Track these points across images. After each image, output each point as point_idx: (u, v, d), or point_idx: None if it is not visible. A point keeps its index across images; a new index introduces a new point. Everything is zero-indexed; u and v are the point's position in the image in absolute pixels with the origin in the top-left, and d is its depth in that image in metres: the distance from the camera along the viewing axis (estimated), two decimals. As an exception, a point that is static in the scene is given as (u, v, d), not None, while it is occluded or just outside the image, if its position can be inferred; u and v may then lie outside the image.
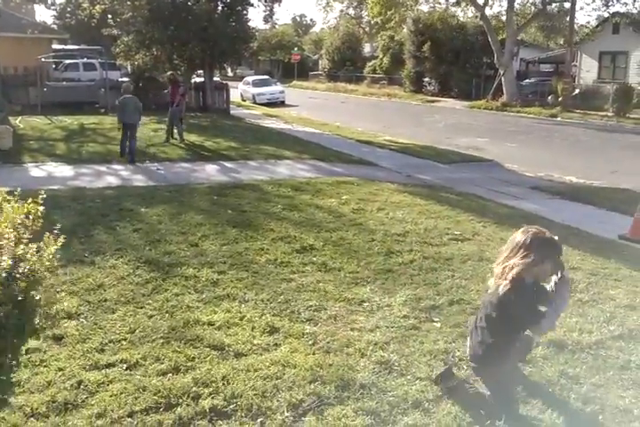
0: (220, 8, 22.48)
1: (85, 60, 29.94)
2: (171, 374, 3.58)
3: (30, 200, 3.11)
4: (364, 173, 11.31)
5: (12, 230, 2.87)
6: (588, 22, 32.70)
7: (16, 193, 3.12)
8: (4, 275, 2.75)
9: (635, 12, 26.86)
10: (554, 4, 30.42)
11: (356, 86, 43.22)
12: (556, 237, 3.05)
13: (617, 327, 4.42)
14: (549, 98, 27.99)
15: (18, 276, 2.80)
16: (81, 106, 20.66)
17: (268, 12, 24.22)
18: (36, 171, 10.57)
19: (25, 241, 2.93)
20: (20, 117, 17.95)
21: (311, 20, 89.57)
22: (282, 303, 4.72)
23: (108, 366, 3.67)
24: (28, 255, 2.86)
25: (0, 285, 2.70)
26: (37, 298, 2.85)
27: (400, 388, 3.49)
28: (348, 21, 60.37)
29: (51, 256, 3.03)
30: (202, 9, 21.33)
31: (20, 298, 2.78)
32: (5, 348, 2.76)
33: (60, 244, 3.00)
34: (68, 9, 49.93)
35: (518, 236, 3.05)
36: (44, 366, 3.64)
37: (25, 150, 12.49)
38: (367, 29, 57.96)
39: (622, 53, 29.20)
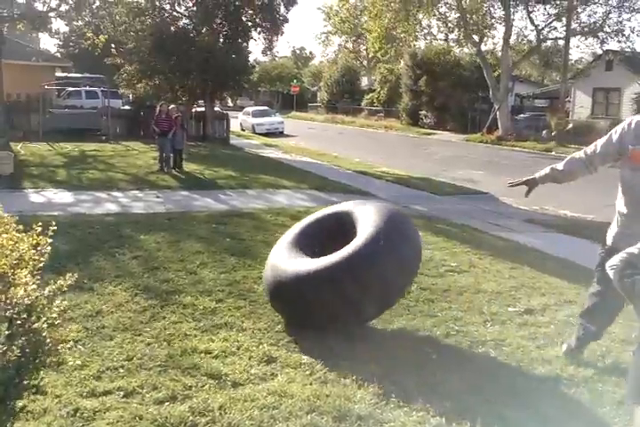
0: (221, 40, 22.94)
1: (88, 87, 30.33)
2: (167, 403, 3.57)
3: (39, 230, 3.14)
4: (361, 203, 11.39)
5: (28, 274, 2.90)
6: (582, 58, 33.43)
7: (34, 225, 3.15)
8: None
9: (628, 49, 27.49)
10: (548, 42, 31.17)
11: (354, 118, 43.78)
12: None
13: (613, 362, 4.44)
14: (544, 133, 28.40)
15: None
16: (82, 133, 20.89)
17: (267, 45, 24.69)
18: (36, 197, 10.64)
19: (37, 282, 2.95)
20: (21, 143, 18.11)
21: (310, 52, 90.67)
22: (279, 333, 4.72)
23: (105, 393, 3.66)
24: (40, 306, 2.89)
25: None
26: (44, 335, 2.87)
27: (397, 419, 3.49)
28: (347, 55, 61.41)
29: (62, 308, 3.06)
30: (204, 41, 21.79)
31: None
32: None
33: (68, 282, 3.04)
34: (72, 38, 50.74)
35: None
36: (41, 394, 3.63)
37: (26, 176, 12.58)
38: (365, 63, 58.96)
39: (615, 90, 29.74)
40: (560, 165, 4.21)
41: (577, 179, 4.29)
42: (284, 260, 4.81)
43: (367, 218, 4.75)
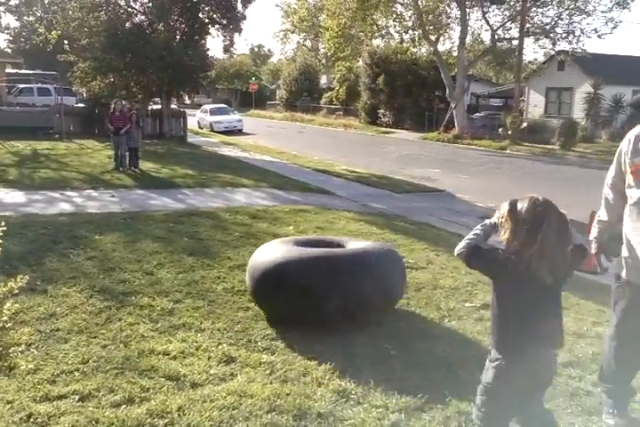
0: (178, 37, 22.63)
1: (40, 84, 29.53)
2: (125, 406, 3.51)
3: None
4: (320, 201, 11.43)
5: None
6: (536, 59, 34.18)
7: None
8: None
9: (579, 50, 28.26)
10: (503, 42, 31.79)
11: (313, 116, 43.83)
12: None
13: (565, 355, 4.55)
14: (499, 131, 28.97)
15: None
16: (35, 131, 20.31)
17: (228, 42, 24.47)
18: (-15, 197, 10.30)
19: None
20: (-31, 142, 17.52)
21: (269, 50, 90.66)
22: (238, 332, 4.70)
23: (60, 397, 3.58)
24: None
25: None
26: None
27: (357, 416, 3.51)
28: (306, 53, 61.43)
29: (12, 310, 2.99)
30: (160, 37, 21.44)
31: None
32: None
33: (19, 284, 2.97)
34: (23, 33, 49.38)
35: None
36: (-8, 399, 3.52)
37: (-26, 175, 12.18)
38: (324, 61, 59.07)
39: (567, 89, 30.58)
40: (604, 215, 3.67)
41: None
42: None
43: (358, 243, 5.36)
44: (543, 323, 2.71)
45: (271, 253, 4.98)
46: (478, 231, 2.88)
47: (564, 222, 2.67)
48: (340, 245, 5.28)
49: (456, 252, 2.87)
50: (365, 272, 4.74)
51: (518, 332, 2.71)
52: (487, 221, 2.89)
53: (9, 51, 45.83)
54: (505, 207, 2.74)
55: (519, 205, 2.69)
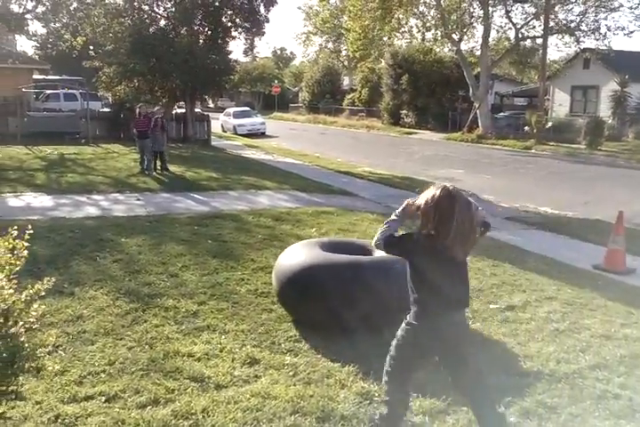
0: (201, 41, 22.82)
1: (66, 90, 30.01)
2: (150, 407, 3.56)
3: (15, 234, 3.11)
4: (343, 203, 11.42)
5: (4, 278, 2.89)
6: (564, 58, 33.68)
7: (10, 229, 3.12)
8: None
9: (604, 48, 27.82)
10: (527, 40, 31.44)
11: (336, 118, 43.80)
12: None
13: (593, 357, 4.50)
14: (525, 130, 28.63)
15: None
16: (62, 136, 20.65)
17: (248, 45, 24.60)
18: (14, 201, 10.49)
19: (14, 286, 2.94)
20: (-2, 147, 17.86)
21: (291, 53, 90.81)
22: (262, 334, 4.73)
23: (87, 398, 3.64)
24: (17, 310, 2.88)
25: None
26: (22, 340, 2.86)
27: (380, 418, 3.49)
28: (328, 55, 61.46)
29: (39, 312, 3.05)
30: (183, 41, 21.64)
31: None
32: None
33: (46, 286, 3.03)
34: (50, 40, 50.15)
35: None
36: (20, 400, 3.58)
37: (3, 180, 12.40)
38: (346, 63, 59.05)
39: (593, 88, 30.12)
40: None
41: None
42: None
43: None
44: (455, 289, 3.01)
45: (298, 257, 4.96)
46: (389, 223, 3.12)
47: (471, 208, 2.95)
48: (366, 250, 5.24)
49: (373, 243, 3.14)
50: (389, 280, 4.68)
51: (434, 299, 2.98)
52: (393, 215, 3.11)
53: (36, 57, 46.69)
54: (421, 199, 2.94)
55: (429, 195, 2.90)
